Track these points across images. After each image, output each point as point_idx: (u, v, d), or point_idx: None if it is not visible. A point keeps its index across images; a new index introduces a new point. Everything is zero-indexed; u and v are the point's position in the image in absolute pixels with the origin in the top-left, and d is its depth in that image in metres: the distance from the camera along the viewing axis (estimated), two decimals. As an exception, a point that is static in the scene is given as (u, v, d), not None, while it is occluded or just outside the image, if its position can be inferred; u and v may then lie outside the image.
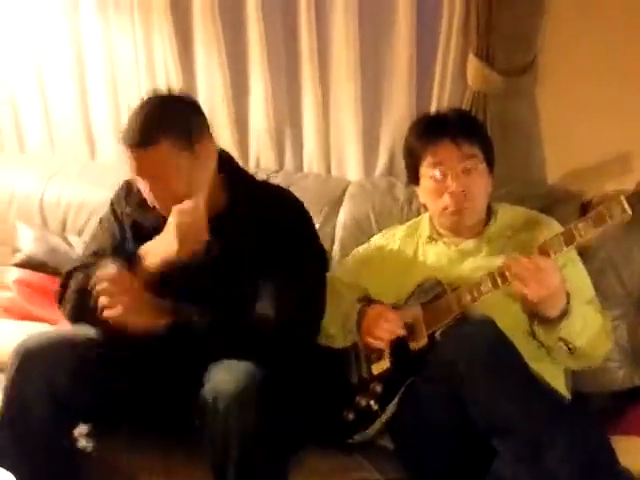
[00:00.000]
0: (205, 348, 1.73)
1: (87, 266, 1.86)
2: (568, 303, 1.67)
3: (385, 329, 1.84)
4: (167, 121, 1.73)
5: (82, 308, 1.81)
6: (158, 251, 1.78)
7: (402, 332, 1.83)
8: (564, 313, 1.66)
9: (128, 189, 1.95)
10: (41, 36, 2.70)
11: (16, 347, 1.74)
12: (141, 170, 1.74)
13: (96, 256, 1.90)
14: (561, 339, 1.69)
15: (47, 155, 2.83)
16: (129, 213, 1.91)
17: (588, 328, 1.71)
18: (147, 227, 1.86)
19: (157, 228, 1.81)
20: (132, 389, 1.81)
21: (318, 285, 1.89)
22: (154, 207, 1.81)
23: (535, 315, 1.71)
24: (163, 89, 1.84)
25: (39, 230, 2.54)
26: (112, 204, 1.97)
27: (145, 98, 1.80)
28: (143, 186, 1.77)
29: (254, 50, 2.45)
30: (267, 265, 1.79)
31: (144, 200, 1.83)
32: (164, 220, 1.79)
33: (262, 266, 1.79)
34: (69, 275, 1.89)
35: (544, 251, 1.66)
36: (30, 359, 1.71)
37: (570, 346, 1.70)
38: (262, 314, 1.75)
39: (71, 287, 1.86)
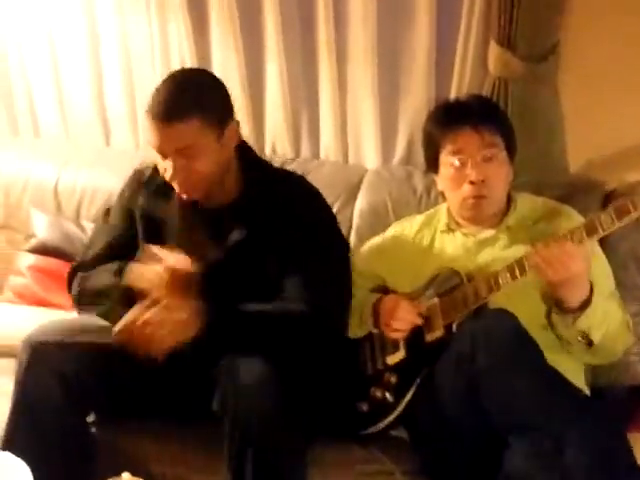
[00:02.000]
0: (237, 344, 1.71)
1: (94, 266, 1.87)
2: (590, 295, 1.63)
3: (403, 320, 1.81)
4: (201, 97, 1.70)
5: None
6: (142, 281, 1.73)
7: (419, 321, 1.81)
8: (585, 305, 1.63)
9: (139, 178, 1.91)
10: (56, 21, 2.68)
11: (25, 339, 1.73)
12: (167, 145, 1.69)
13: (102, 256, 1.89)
14: (580, 332, 1.66)
15: (61, 141, 2.81)
16: (142, 204, 1.87)
17: (608, 322, 1.68)
18: (157, 218, 1.83)
19: (166, 221, 1.80)
20: (147, 377, 1.79)
21: (346, 272, 1.88)
22: (167, 196, 1.80)
23: (554, 303, 1.68)
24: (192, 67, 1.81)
25: (53, 216, 2.53)
26: (121, 195, 1.94)
27: (173, 73, 1.78)
28: (163, 164, 1.73)
29: (270, 36, 2.42)
30: (288, 253, 1.77)
31: (158, 188, 1.82)
32: (175, 212, 1.79)
33: (282, 254, 1.77)
34: (74, 272, 1.91)
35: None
36: (40, 350, 1.70)
37: (588, 340, 1.67)
38: (295, 307, 1.74)
39: (75, 289, 1.88)
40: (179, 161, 1.70)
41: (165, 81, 1.75)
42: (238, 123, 1.80)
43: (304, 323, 1.74)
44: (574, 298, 1.63)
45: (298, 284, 1.75)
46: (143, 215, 1.88)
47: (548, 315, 1.73)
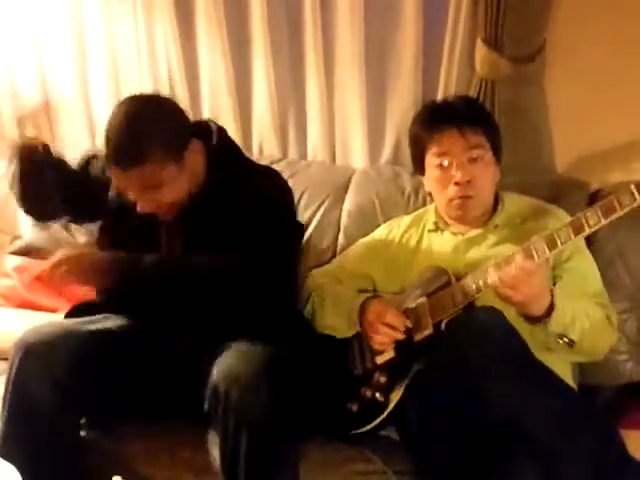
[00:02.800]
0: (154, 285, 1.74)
1: None
2: (552, 299, 1.63)
3: (385, 333, 1.81)
4: (153, 136, 1.68)
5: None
6: None
7: (402, 336, 1.80)
8: (549, 310, 1.63)
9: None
10: (42, 23, 2.67)
11: (17, 341, 1.73)
12: (130, 187, 1.73)
13: None
14: (557, 335, 1.66)
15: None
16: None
17: (581, 319, 1.67)
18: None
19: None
20: (138, 378, 1.81)
21: (285, 243, 1.88)
22: None
23: (525, 317, 1.68)
24: (139, 94, 1.78)
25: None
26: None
27: (122, 106, 1.74)
28: (129, 195, 1.76)
29: (257, 38, 2.42)
30: (234, 223, 1.79)
31: None
32: None
33: (230, 225, 1.79)
34: None
35: (550, 242, 1.63)
36: (32, 353, 1.70)
37: (568, 340, 1.67)
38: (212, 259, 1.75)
39: None
40: (145, 195, 1.73)
41: (115, 121, 1.71)
42: (199, 143, 1.81)
43: (226, 275, 1.74)
44: (536, 309, 1.63)
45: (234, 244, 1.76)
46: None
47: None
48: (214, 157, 1.86)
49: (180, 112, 1.78)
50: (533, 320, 1.65)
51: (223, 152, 1.89)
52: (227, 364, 1.66)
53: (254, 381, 1.60)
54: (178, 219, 1.82)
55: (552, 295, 1.63)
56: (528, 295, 1.59)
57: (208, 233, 1.79)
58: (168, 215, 1.80)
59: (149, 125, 1.70)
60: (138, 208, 1.76)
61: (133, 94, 1.79)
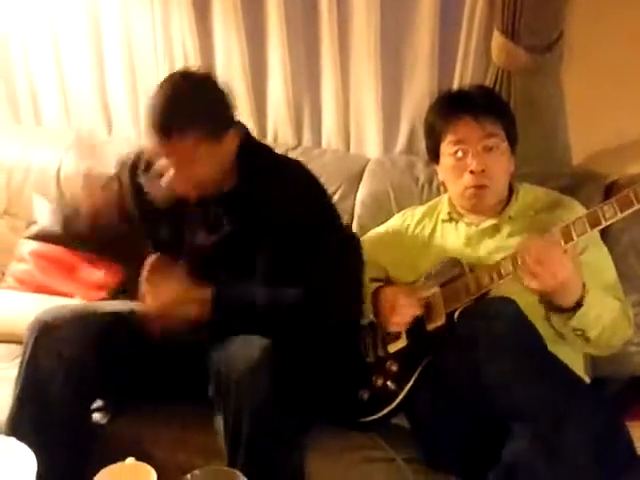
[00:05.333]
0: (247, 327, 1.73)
1: None
2: (583, 294, 1.62)
3: (401, 313, 1.82)
4: (196, 110, 1.69)
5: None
6: None
7: (419, 312, 1.81)
8: (578, 304, 1.62)
9: (127, 167, 1.93)
10: (58, 9, 2.67)
11: (32, 322, 1.74)
12: (165, 155, 1.71)
13: None
14: (575, 329, 1.66)
15: (63, 128, 2.81)
16: (134, 188, 1.89)
17: (604, 317, 1.67)
18: (150, 201, 1.84)
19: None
20: (150, 362, 1.83)
21: (345, 265, 1.87)
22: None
23: (549, 304, 1.67)
24: (190, 68, 1.79)
25: (55, 202, 2.52)
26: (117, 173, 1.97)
27: (172, 78, 1.75)
28: (162, 167, 1.74)
29: (273, 25, 2.41)
30: (281, 247, 1.76)
31: (152, 174, 1.82)
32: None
33: (274, 247, 1.77)
34: None
35: (566, 235, 1.62)
36: (46, 334, 1.72)
37: (585, 335, 1.67)
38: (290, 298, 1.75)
39: None
40: (177, 168, 1.71)
41: (162, 89, 1.72)
42: (238, 131, 1.79)
43: (300, 313, 1.76)
44: (566, 300, 1.63)
45: (291, 278, 1.75)
46: (137, 198, 1.90)
47: (546, 311, 1.72)
48: (248, 153, 1.84)
49: (227, 91, 1.77)
50: (557, 310, 1.65)
51: (256, 150, 1.89)
52: (230, 350, 1.67)
53: (254, 365, 1.61)
54: (205, 210, 1.82)
55: (584, 289, 1.62)
56: (548, 283, 1.57)
57: (241, 234, 1.80)
58: (190, 194, 1.78)
59: (195, 99, 1.71)
60: (166, 177, 1.73)
61: (185, 69, 1.83)
